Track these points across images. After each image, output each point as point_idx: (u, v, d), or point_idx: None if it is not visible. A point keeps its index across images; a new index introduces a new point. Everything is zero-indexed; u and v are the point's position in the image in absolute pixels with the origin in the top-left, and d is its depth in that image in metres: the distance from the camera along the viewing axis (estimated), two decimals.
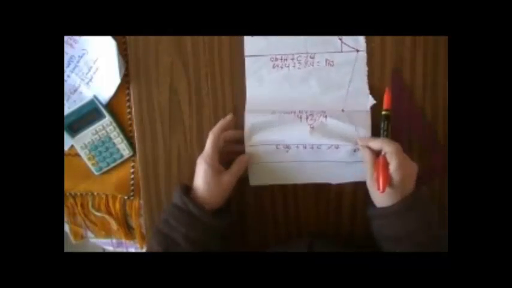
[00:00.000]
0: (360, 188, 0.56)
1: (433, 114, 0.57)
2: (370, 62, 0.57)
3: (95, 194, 0.66)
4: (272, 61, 0.57)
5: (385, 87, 0.55)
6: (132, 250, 0.74)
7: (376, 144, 0.52)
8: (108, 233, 0.70)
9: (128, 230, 0.68)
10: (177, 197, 0.52)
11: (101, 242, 0.74)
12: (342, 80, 0.57)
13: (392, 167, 0.49)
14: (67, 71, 0.60)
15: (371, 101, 0.56)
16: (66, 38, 0.59)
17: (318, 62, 0.57)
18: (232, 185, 0.53)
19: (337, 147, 0.55)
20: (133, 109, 0.60)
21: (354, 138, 0.54)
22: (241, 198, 0.59)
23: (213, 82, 0.59)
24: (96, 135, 0.61)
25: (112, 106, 0.62)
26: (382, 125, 0.54)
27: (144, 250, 0.69)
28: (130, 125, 0.62)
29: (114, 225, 0.67)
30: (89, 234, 0.71)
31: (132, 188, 0.64)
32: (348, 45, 0.57)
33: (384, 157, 0.50)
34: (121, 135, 0.62)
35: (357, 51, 0.57)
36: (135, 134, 0.61)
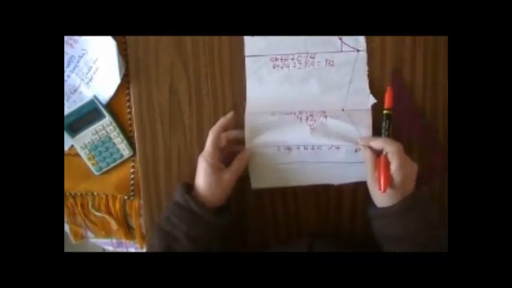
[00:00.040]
0: (360, 188, 0.56)
1: (433, 114, 0.57)
2: (370, 62, 0.57)
3: (95, 194, 0.66)
4: (272, 61, 0.57)
5: (386, 87, 0.55)
6: (132, 250, 0.74)
7: (378, 143, 0.52)
8: (108, 233, 0.70)
9: (128, 230, 0.68)
10: (179, 195, 0.52)
11: (101, 242, 0.74)
12: (342, 80, 0.57)
13: (394, 166, 0.49)
14: (67, 71, 0.60)
15: (372, 100, 0.56)
16: (66, 38, 0.59)
17: (318, 62, 0.57)
18: (233, 183, 0.53)
19: (337, 147, 0.55)
20: (133, 109, 0.60)
21: (355, 138, 0.54)
22: (241, 198, 0.59)
23: (213, 82, 0.59)
24: (96, 135, 0.61)
25: (112, 106, 0.62)
26: (383, 124, 0.53)
27: (144, 250, 0.69)
28: (131, 125, 0.62)
29: (114, 225, 0.67)
30: (89, 234, 0.71)
31: (132, 188, 0.64)
32: (348, 45, 0.57)
33: (385, 157, 0.50)
34: (121, 135, 0.62)
35: (357, 51, 0.57)
36: (135, 134, 0.61)
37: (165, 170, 0.60)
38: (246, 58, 0.58)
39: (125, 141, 0.62)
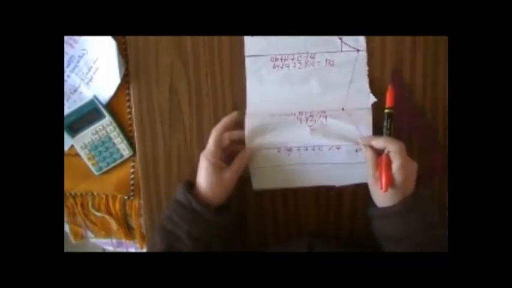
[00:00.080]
0: (360, 188, 0.56)
1: (433, 114, 0.57)
2: (370, 62, 0.57)
3: (95, 194, 0.66)
4: (272, 61, 0.57)
5: (386, 86, 0.55)
6: (132, 250, 0.74)
7: (380, 142, 0.51)
8: (108, 233, 0.70)
9: (128, 230, 0.68)
10: (181, 193, 0.52)
11: (101, 242, 0.74)
12: (342, 79, 0.57)
13: (395, 166, 0.49)
14: (67, 71, 0.60)
15: (372, 99, 0.56)
16: (66, 38, 0.59)
17: (318, 62, 0.57)
18: (234, 182, 0.53)
19: (338, 147, 0.55)
20: (133, 109, 0.60)
21: (355, 137, 0.54)
22: (241, 198, 0.59)
23: (213, 82, 0.59)
24: (96, 135, 0.61)
25: (112, 106, 0.62)
26: (384, 123, 0.53)
27: (144, 250, 0.69)
28: (131, 125, 0.62)
29: (114, 225, 0.67)
30: (89, 234, 0.71)
31: (132, 188, 0.64)
32: (348, 45, 0.57)
33: (387, 156, 0.50)
34: (121, 135, 0.62)
35: (357, 51, 0.57)
36: (135, 134, 0.61)
37: (165, 170, 0.60)
38: (246, 58, 0.58)
39: (125, 141, 0.62)
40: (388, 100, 0.54)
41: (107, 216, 0.67)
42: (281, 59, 0.57)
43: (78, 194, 0.66)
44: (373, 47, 0.57)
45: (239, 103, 0.58)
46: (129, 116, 0.62)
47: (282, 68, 0.57)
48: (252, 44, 0.57)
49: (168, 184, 0.60)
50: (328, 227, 0.59)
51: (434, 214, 0.50)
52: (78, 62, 0.60)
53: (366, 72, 0.57)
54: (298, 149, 0.55)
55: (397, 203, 0.49)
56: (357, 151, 0.55)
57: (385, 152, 0.50)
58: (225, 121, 0.54)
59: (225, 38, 0.58)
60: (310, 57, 0.57)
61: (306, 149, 0.55)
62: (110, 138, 0.62)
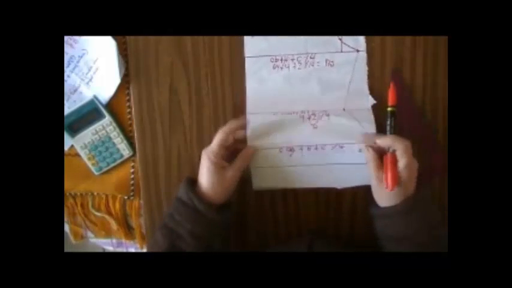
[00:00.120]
0: (360, 187, 0.56)
1: (433, 114, 0.57)
2: (370, 62, 0.57)
3: (95, 194, 0.66)
4: (272, 62, 0.57)
5: (387, 85, 0.55)
6: (132, 250, 0.74)
7: (386, 141, 0.51)
8: (108, 233, 0.70)
9: (128, 230, 0.68)
10: (183, 192, 0.52)
11: (101, 242, 0.74)
12: (342, 80, 0.57)
13: (402, 165, 0.48)
14: (67, 71, 0.60)
15: (371, 101, 0.56)
16: (66, 38, 0.59)
17: (318, 62, 0.57)
18: (237, 180, 0.53)
19: (341, 146, 0.54)
20: (133, 109, 0.60)
21: (359, 135, 0.54)
22: (241, 198, 0.59)
23: (213, 82, 0.59)
24: (96, 135, 0.61)
25: (112, 106, 0.62)
26: (388, 122, 0.53)
27: (144, 250, 0.69)
28: (130, 125, 0.62)
29: (114, 225, 0.67)
30: (89, 234, 0.71)
31: (132, 188, 0.64)
32: (348, 45, 0.57)
33: (393, 154, 0.50)
34: (121, 135, 0.62)
35: (357, 51, 0.57)
36: (135, 134, 0.61)
37: (165, 170, 0.60)
38: (246, 59, 0.58)
39: (125, 141, 0.62)
40: (390, 98, 0.54)
41: (107, 216, 0.67)
42: (281, 60, 0.57)
43: (78, 194, 0.66)
44: (373, 47, 0.57)
45: (239, 103, 0.58)
46: (129, 116, 0.62)
47: (282, 68, 0.57)
48: (252, 44, 0.57)
49: (168, 184, 0.60)
50: (328, 225, 0.59)
51: (437, 214, 0.50)
52: (78, 62, 0.60)
53: (366, 73, 0.57)
54: (301, 149, 0.55)
55: (400, 203, 0.49)
56: (360, 151, 0.54)
57: (390, 150, 0.50)
58: (233, 124, 0.53)
59: (225, 38, 0.58)
60: (310, 57, 0.57)
61: (309, 149, 0.55)
62: (110, 138, 0.62)
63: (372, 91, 0.56)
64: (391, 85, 0.54)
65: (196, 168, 0.53)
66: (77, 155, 0.62)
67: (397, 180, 0.48)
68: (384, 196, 0.50)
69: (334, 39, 0.57)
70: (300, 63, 0.57)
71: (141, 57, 0.59)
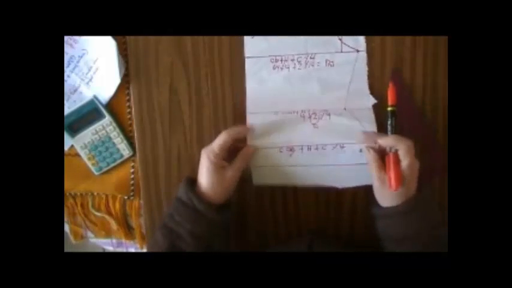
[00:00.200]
0: (360, 186, 0.56)
1: (433, 114, 0.57)
2: (370, 62, 0.57)
3: (95, 194, 0.66)
4: (272, 62, 0.57)
5: (387, 85, 0.55)
6: (132, 250, 0.74)
7: (388, 141, 0.50)
8: (108, 233, 0.70)
9: (128, 230, 0.68)
10: (183, 192, 0.52)
11: (101, 242, 0.74)
12: (342, 80, 0.57)
13: (405, 164, 0.48)
14: (67, 71, 0.60)
15: (372, 100, 0.56)
16: (66, 38, 0.59)
17: (318, 63, 0.57)
18: (236, 180, 0.53)
19: (342, 146, 0.54)
20: (133, 109, 0.60)
21: (359, 133, 0.54)
22: (241, 198, 0.59)
23: (213, 82, 0.59)
24: (96, 135, 0.61)
25: (112, 106, 0.62)
26: (389, 121, 0.53)
27: (144, 250, 0.69)
28: (130, 125, 0.62)
29: (114, 225, 0.67)
30: (89, 234, 0.71)
31: (132, 188, 0.64)
32: (348, 46, 0.57)
33: (395, 154, 0.49)
34: (121, 135, 0.62)
35: (357, 51, 0.57)
36: (135, 134, 0.61)
37: (165, 170, 0.60)
38: (246, 59, 0.58)
39: (125, 141, 0.62)
40: (390, 98, 0.53)
41: (107, 216, 0.67)
42: (281, 60, 0.57)
43: (78, 194, 0.66)
44: (373, 47, 0.57)
45: (239, 103, 0.58)
46: (129, 116, 0.62)
47: (282, 69, 0.57)
48: (252, 45, 0.57)
49: (168, 184, 0.60)
50: (328, 225, 0.59)
51: (438, 214, 0.50)
52: (78, 62, 0.60)
53: (366, 73, 0.57)
54: (301, 149, 0.55)
55: (401, 203, 0.49)
56: (361, 151, 0.54)
57: (393, 150, 0.50)
58: (240, 130, 0.53)
59: (225, 38, 0.58)
60: (310, 57, 0.57)
61: (309, 149, 0.55)
62: (110, 138, 0.62)
63: (372, 91, 0.56)
64: (391, 85, 0.54)
65: (196, 168, 0.53)
66: (77, 155, 0.62)
67: (401, 181, 0.48)
68: (387, 196, 0.50)
69: (334, 39, 0.57)
70: (300, 64, 0.57)
71: (141, 57, 0.59)
